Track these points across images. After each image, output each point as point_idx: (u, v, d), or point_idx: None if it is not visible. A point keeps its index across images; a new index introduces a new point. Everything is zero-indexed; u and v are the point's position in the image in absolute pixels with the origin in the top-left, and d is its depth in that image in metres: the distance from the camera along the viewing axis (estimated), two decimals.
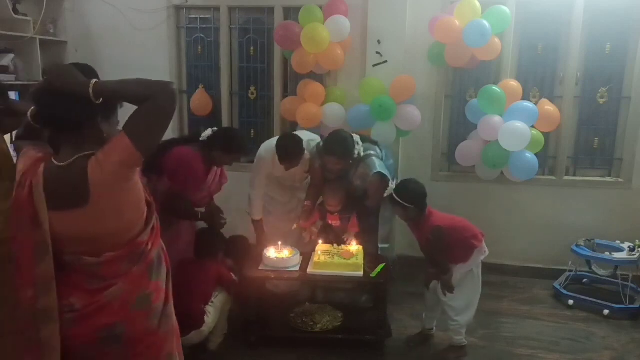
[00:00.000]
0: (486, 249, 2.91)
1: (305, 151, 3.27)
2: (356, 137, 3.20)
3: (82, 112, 1.44)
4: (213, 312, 2.87)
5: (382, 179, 3.11)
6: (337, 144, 3.09)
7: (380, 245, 3.33)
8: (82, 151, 1.45)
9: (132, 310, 1.53)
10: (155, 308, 1.58)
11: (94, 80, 1.40)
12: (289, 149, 3.18)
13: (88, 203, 1.42)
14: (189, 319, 2.65)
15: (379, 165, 3.14)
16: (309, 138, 3.41)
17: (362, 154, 3.19)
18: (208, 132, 3.01)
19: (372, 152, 3.25)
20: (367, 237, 3.30)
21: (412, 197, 2.85)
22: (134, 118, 1.42)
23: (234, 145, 2.96)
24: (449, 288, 2.85)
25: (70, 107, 1.42)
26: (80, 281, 1.50)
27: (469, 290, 2.90)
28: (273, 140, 3.37)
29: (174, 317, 1.69)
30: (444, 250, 2.83)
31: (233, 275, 3.06)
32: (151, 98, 1.40)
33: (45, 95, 1.44)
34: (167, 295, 1.65)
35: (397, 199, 2.86)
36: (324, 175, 3.30)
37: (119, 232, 1.50)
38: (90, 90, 1.38)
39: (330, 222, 3.36)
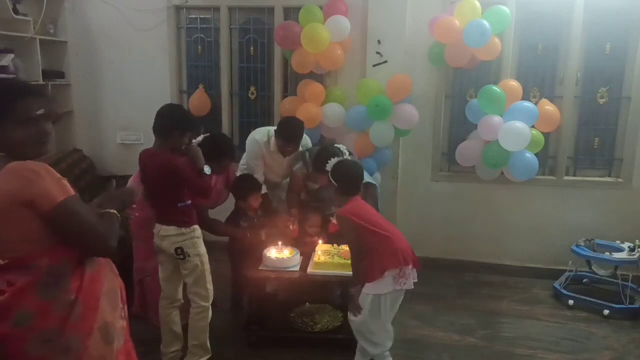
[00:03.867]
0: (406, 281, 2.50)
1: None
2: (342, 148, 3.29)
3: None
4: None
5: (373, 188, 3.33)
6: (326, 161, 3.12)
7: None
8: None
9: (11, 328, 1.38)
10: (38, 332, 1.40)
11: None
12: (296, 127, 3.28)
13: None
14: None
15: (367, 176, 3.26)
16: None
17: None
18: (199, 139, 3.01)
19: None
20: None
21: (338, 174, 2.67)
22: (82, 215, 1.46)
23: (218, 152, 2.96)
24: (354, 306, 2.57)
25: None
26: None
27: (363, 319, 2.56)
28: (265, 128, 3.48)
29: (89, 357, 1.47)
30: (350, 246, 2.65)
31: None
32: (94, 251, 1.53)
33: None
34: (67, 324, 1.43)
35: (329, 172, 2.73)
36: (304, 184, 3.41)
37: (4, 242, 1.40)
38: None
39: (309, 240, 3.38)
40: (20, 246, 1.40)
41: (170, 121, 2.59)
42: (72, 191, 1.45)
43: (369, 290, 2.50)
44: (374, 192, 3.37)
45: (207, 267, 2.72)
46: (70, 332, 1.44)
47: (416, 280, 2.56)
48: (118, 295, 1.62)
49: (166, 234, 2.61)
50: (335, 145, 3.35)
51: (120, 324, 1.59)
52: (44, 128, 1.48)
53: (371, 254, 2.53)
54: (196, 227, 2.68)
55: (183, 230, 2.61)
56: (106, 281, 1.57)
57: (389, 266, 2.45)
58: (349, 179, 2.69)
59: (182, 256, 2.62)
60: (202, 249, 2.70)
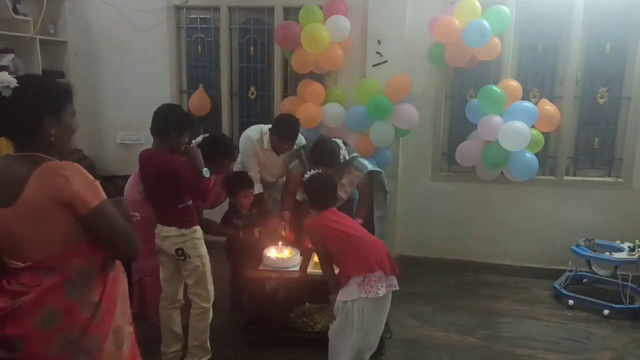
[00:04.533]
0: (371, 289, 2.42)
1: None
2: (339, 142, 3.30)
3: (25, 114, 1.41)
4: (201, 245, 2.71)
5: (378, 174, 3.36)
6: (326, 154, 3.15)
7: None
8: (30, 150, 1.43)
9: (34, 328, 1.38)
10: (64, 332, 1.41)
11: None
12: (293, 125, 3.26)
13: (13, 205, 1.36)
14: None
15: (369, 165, 3.31)
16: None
17: (347, 157, 3.29)
18: (198, 139, 3.01)
19: (356, 153, 3.40)
20: None
21: (310, 191, 2.77)
22: (115, 219, 1.50)
23: (217, 152, 2.96)
24: (331, 315, 2.60)
25: (12, 110, 1.40)
26: (7, 282, 1.43)
27: (336, 327, 2.54)
28: (258, 125, 3.46)
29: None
30: (318, 255, 2.67)
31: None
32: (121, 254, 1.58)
33: None
34: (90, 326, 1.44)
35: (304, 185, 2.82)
36: (300, 182, 3.33)
37: (35, 243, 1.41)
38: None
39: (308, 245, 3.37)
40: (52, 246, 1.42)
41: (167, 121, 2.56)
42: (104, 194, 1.48)
43: (339, 297, 2.50)
44: (379, 177, 3.39)
45: (208, 268, 2.71)
46: (91, 334, 1.45)
47: (397, 288, 2.55)
48: (128, 300, 1.63)
49: (167, 235, 2.61)
50: (332, 139, 3.34)
51: (128, 329, 1.60)
52: (77, 123, 1.59)
53: (339, 261, 2.57)
54: (197, 228, 2.67)
55: (184, 231, 2.60)
56: (121, 285, 1.60)
57: (353, 273, 2.44)
58: (320, 195, 2.73)
59: (182, 257, 2.61)
60: (203, 250, 2.69)
